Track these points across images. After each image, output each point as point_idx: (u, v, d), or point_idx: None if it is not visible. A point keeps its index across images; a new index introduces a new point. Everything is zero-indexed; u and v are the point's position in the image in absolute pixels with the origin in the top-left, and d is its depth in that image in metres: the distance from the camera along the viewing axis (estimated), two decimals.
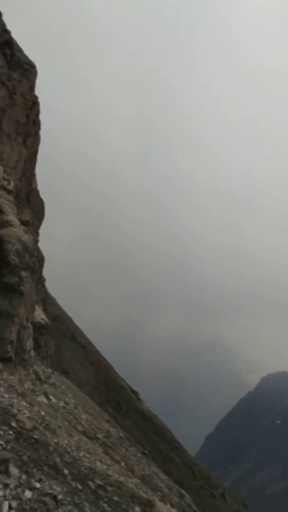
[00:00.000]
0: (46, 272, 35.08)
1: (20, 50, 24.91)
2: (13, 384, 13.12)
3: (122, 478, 12.90)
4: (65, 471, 9.52)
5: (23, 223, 20.80)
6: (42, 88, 26.99)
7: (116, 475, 12.69)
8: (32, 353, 18.76)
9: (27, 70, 25.04)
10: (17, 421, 9.86)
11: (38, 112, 27.24)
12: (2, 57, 23.30)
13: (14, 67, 24.00)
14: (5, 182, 20.01)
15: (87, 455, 12.53)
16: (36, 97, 26.61)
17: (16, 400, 11.31)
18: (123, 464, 17.58)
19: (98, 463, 12.69)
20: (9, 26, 24.27)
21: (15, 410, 10.35)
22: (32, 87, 25.71)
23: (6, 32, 23.85)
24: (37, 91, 26.64)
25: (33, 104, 26.23)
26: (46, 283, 41.00)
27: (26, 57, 25.33)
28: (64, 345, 46.22)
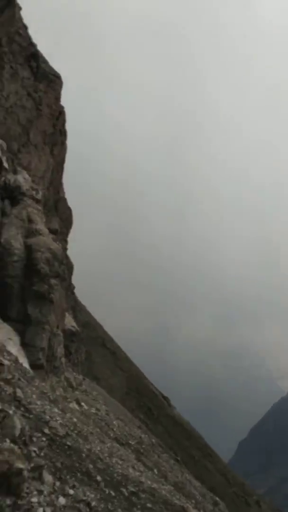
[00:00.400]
0: (74, 280, 35.49)
1: (46, 62, 25.38)
2: (45, 391, 13.24)
3: (155, 485, 12.83)
4: (98, 478, 9.53)
5: (52, 231, 21.14)
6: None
7: (149, 482, 12.63)
8: (63, 360, 18.96)
9: (53, 81, 25.49)
10: (50, 427, 9.93)
11: (64, 122, 27.68)
12: (29, 69, 23.78)
13: (40, 79, 24.47)
14: (34, 192, 20.36)
15: (120, 462, 12.52)
16: (62, 107, 27.06)
17: (48, 407, 11.40)
18: (155, 470, 17.52)
19: (130, 470, 12.67)
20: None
21: (48, 417, 10.42)
22: (58, 98, 26.16)
23: (32, 45, 24.34)
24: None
25: (59, 114, 26.67)
26: (75, 290, 41.39)
27: (51, 68, 25.80)
28: (94, 351, 46.40)
